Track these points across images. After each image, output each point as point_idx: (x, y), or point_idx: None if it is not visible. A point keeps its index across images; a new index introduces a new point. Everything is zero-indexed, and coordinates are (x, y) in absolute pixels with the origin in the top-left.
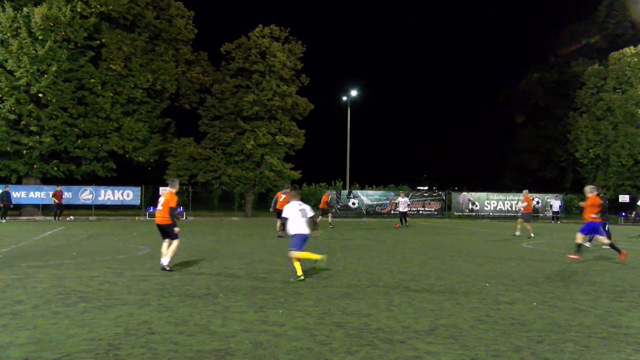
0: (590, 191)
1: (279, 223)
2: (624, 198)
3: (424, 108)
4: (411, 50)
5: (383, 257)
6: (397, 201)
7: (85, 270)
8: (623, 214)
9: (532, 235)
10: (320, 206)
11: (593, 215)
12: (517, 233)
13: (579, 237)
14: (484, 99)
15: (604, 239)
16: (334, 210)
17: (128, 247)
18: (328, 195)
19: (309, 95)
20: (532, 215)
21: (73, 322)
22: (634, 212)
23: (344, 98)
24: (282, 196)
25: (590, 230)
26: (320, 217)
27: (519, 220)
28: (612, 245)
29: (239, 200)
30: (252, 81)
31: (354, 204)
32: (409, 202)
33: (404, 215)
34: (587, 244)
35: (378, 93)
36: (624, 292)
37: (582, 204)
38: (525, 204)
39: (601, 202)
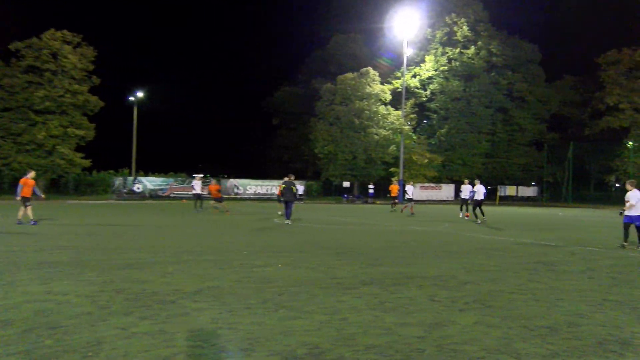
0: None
1: None
2: (346, 184)
3: (202, 109)
4: (192, 58)
5: (167, 234)
6: (192, 184)
7: None
8: (345, 195)
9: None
10: (213, 195)
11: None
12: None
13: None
14: (252, 105)
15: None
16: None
17: None
18: (217, 183)
19: (100, 93)
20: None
21: None
22: (352, 196)
23: (131, 98)
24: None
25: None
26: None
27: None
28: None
29: None
30: (44, 78)
31: (138, 188)
32: (202, 185)
33: (198, 197)
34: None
35: (162, 94)
36: (342, 254)
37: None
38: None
39: None
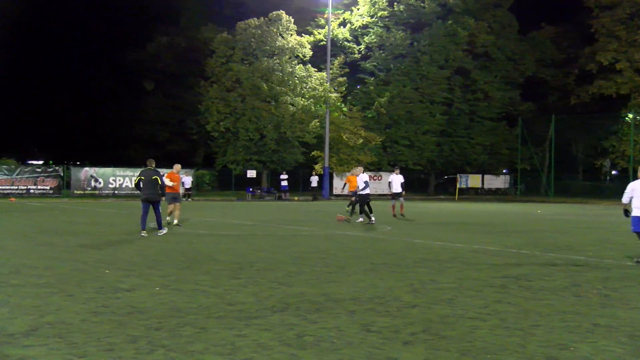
0: None
1: None
2: (251, 173)
3: (32, 68)
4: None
5: None
6: None
7: None
8: (250, 189)
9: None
10: None
11: None
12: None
13: None
14: (107, 61)
15: None
16: None
17: None
18: None
19: None
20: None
21: None
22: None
23: None
24: None
25: None
26: None
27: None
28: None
29: None
30: None
31: None
32: None
33: None
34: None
35: None
36: (241, 269)
37: None
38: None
39: None
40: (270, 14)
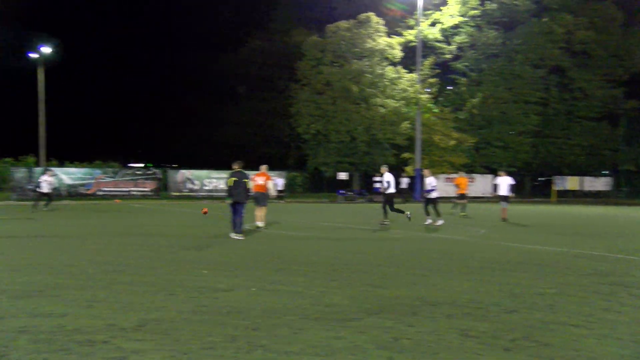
0: None
1: None
2: (342, 175)
3: (134, 72)
4: (121, 6)
5: (88, 246)
6: (40, 180)
7: None
8: (342, 191)
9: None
10: None
11: None
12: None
13: None
14: (202, 68)
15: None
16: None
17: None
18: None
19: None
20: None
21: None
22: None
23: (34, 55)
24: None
25: None
26: None
27: None
28: None
29: None
30: None
31: (51, 183)
32: (53, 181)
33: (42, 195)
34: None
35: (79, 51)
36: (336, 271)
37: None
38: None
39: None
40: (360, 16)
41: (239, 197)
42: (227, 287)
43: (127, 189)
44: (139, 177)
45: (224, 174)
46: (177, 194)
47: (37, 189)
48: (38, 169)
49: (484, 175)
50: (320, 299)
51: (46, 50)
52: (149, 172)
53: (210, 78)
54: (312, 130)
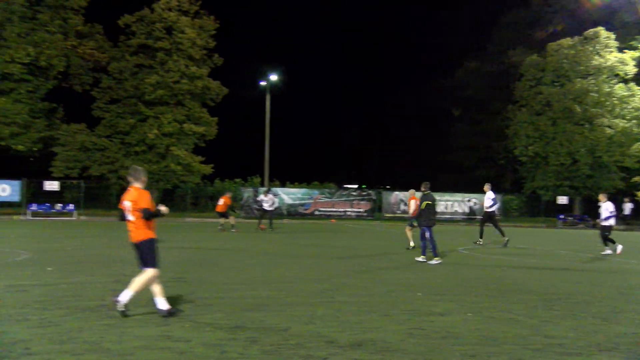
0: None
1: None
2: (562, 200)
3: (353, 97)
4: (338, 31)
5: (304, 264)
6: (259, 199)
7: None
8: (562, 216)
9: (412, 244)
10: (218, 209)
11: None
12: (412, 244)
13: None
14: (417, 90)
15: None
16: (250, 211)
17: (2, 251)
18: (230, 198)
19: (222, 78)
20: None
21: None
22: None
23: (263, 83)
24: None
25: None
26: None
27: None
28: None
29: None
30: (156, 60)
31: (273, 203)
32: (274, 201)
33: (264, 213)
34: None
35: (302, 79)
36: (558, 300)
37: None
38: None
39: None
40: (587, 32)
41: (428, 222)
42: (442, 311)
43: (342, 210)
44: (354, 198)
45: (437, 196)
46: (391, 215)
47: (261, 207)
48: (262, 189)
49: None
50: (540, 328)
51: (273, 78)
52: (364, 193)
53: (424, 101)
54: (530, 152)
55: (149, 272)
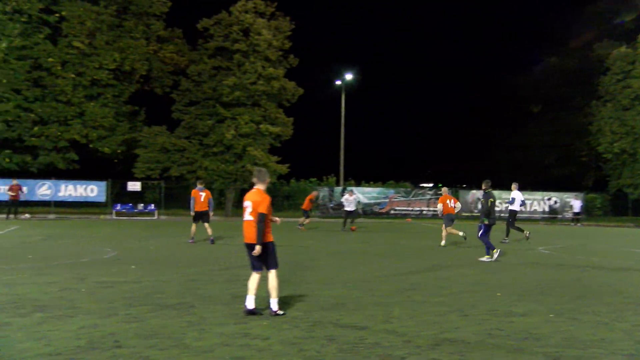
0: None
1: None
2: None
3: (428, 95)
4: (413, 29)
5: (380, 264)
6: (342, 200)
7: (42, 275)
8: None
9: (444, 243)
10: (304, 207)
11: None
12: (443, 243)
13: None
14: (494, 87)
15: None
16: (326, 209)
17: (92, 249)
18: (315, 196)
19: (298, 78)
20: (453, 217)
21: (27, 334)
22: None
23: (338, 82)
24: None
25: None
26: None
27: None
28: None
29: (217, 197)
30: (234, 62)
31: (347, 200)
32: (359, 200)
33: (349, 214)
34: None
35: (376, 77)
36: None
37: None
38: (440, 205)
39: None
40: None
41: (491, 219)
42: (523, 312)
43: (419, 209)
44: (431, 197)
45: (529, 195)
46: (468, 214)
47: (343, 208)
48: (337, 188)
49: None
50: (632, 333)
51: (348, 77)
52: (440, 192)
53: (502, 98)
54: (616, 149)
55: (275, 273)
